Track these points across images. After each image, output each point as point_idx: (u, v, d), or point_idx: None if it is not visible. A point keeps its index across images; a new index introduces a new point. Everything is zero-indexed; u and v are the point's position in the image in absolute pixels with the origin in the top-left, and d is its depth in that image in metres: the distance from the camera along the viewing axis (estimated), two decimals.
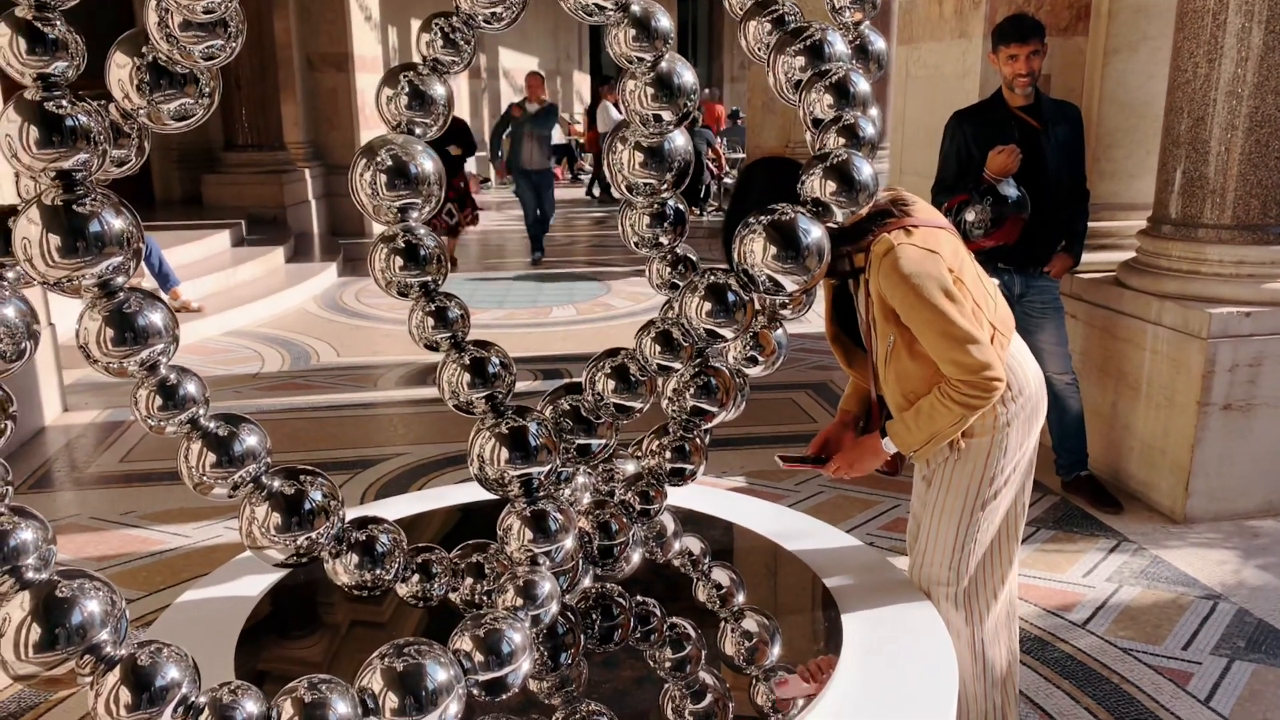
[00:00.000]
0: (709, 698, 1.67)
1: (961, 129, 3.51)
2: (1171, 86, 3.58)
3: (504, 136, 9.72)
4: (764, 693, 1.63)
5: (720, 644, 1.75)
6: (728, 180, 13.15)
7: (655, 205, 1.69)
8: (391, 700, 1.27)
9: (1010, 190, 3.23)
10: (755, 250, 1.48)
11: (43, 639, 1.17)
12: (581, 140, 17.45)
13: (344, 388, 5.38)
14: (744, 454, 4.15)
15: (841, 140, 1.60)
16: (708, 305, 1.51)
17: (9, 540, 1.23)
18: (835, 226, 1.56)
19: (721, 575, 1.99)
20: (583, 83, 23.90)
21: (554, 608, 1.49)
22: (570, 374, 5.06)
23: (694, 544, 2.06)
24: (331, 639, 1.84)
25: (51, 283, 1.23)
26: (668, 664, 1.72)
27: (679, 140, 1.58)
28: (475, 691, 1.37)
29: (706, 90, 15.64)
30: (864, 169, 1.54)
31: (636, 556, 1.92)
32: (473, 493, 2.33)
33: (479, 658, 1.36)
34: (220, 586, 1.87)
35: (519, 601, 1.46)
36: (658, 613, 1.85)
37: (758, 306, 1.56)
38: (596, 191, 15.48)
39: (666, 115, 1.51)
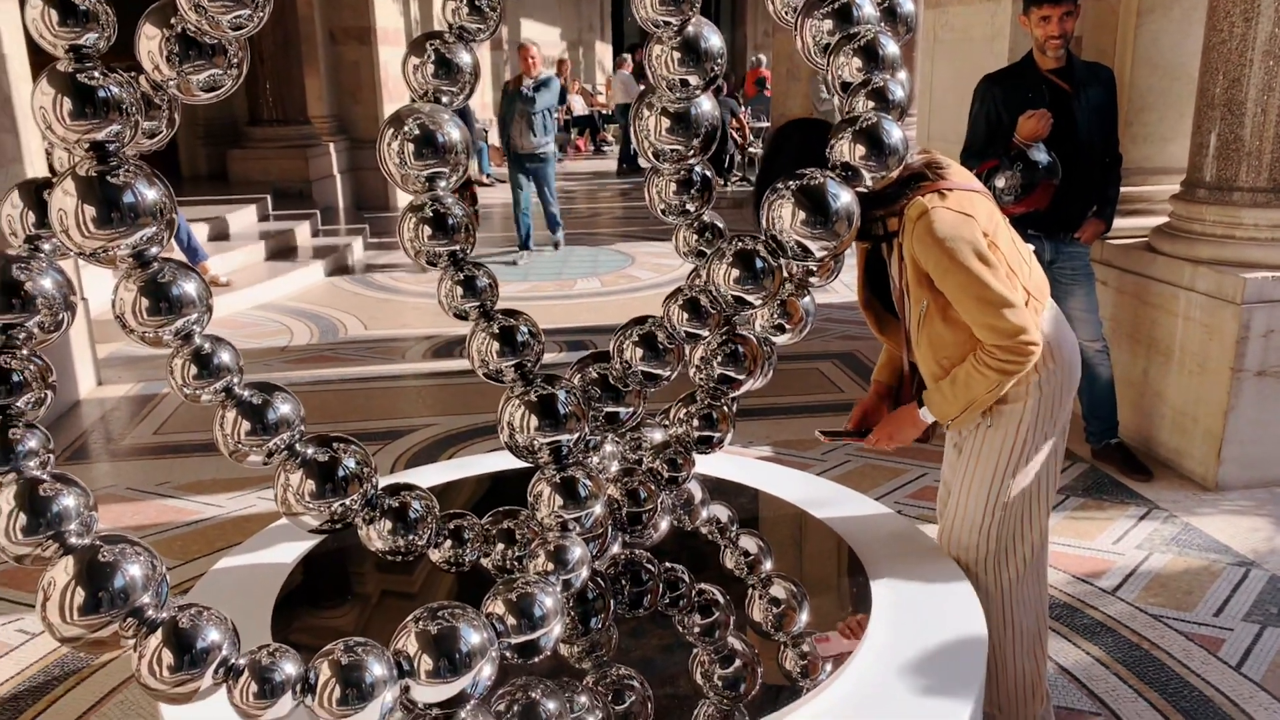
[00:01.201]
0: (737, 663, 1.68)
1: (991, 93, 3.45)
2: (1206, 47, 3.51)
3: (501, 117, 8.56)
4: (792, 658, 1.64)
5: (748, 610, 1.76)
6: (752, 150, 13.04)
7: (682, 172, 1.68)
8: (426, 662, 1.29)
9: (1041, 155, 3.18)
10: (784, 216, 1.48)
11: (86, 602, 1.20)
12: (607, 111, 17.36)
13: (372, 360, 5.42)
14: (770, 424, 4.15)
15: (870, 104, 1.58)
16: (736, 272, 1.51)
17: (52, 506, 1.25)
18: (865, 190, 1.55)
19: (749, 542, 2.00)
20: (605, 53, 23.73)
21: (584, 572, 1.51)
22: (595, 345, 5.00)
23: (721, 512, 2.07)
24: (365, 606, 1.87)
25: (87, 253, 1.24)
26: (696, 629, 1.73)
27: (706, 105, 1.57)
28: (508, 654, 1.39)
29: (758, 57, 15.43)
30: (894, 132, 1.53)
31: (664, 524, 1.93)
32: (502, 461, 2.35)
33: (511, 621, 1.37)
34: (255, 554, 1.90)
35: (550, 566, 1.47)
36: (686, 579, 1.87)
37: (786, 273, 1.55)
38: (629, 163, 15.39)
39: (693, 80, 1.50)
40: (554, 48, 21.75)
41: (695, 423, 1.82)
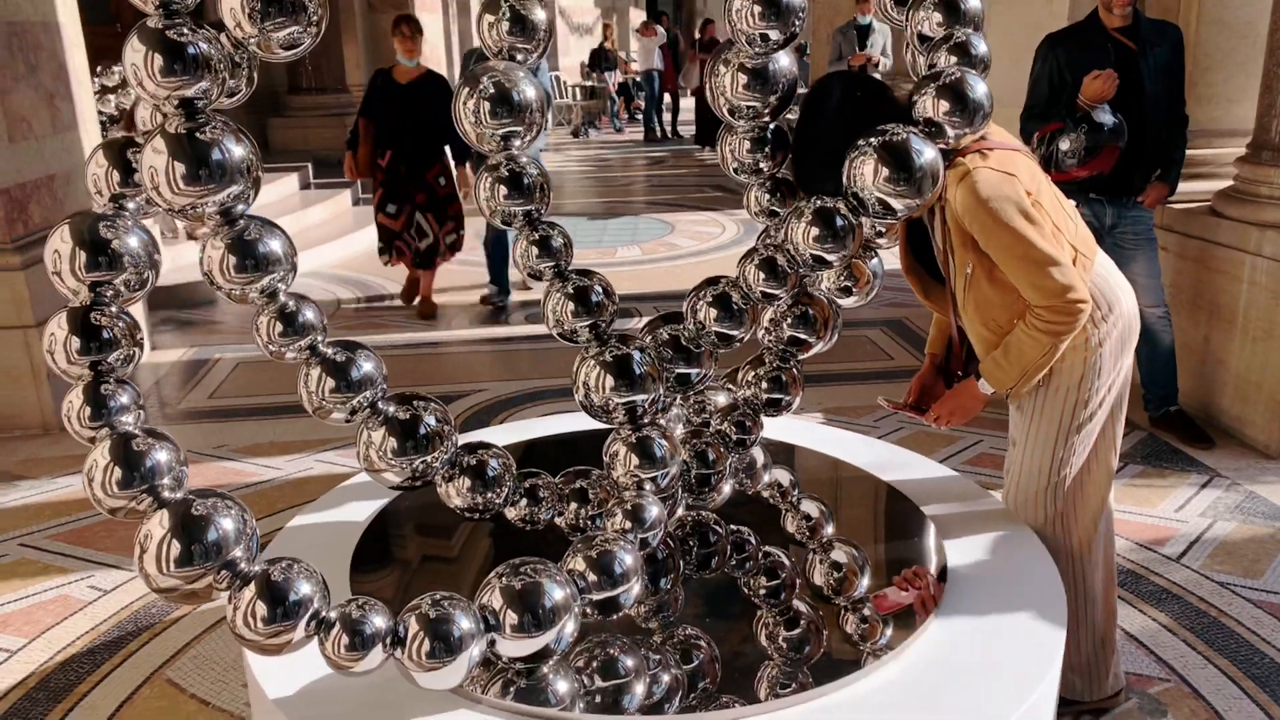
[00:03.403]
0: (802, 624, 1.68)
1: (1054, 53, 3.37)
2: (1276, 4, 3.40)
3: None
4: (853, 622, 1.63)
5: (809, 575, 1.76)
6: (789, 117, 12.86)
7: (756, 130, 1.66)
8: (511, 617, 1.31)
9: (1106, 117, 3.10)
10: (866, 173, 1.46)
11: (182, 554, 1.22)
12: (637, 79, 17.19)
13: (418, 326, 5.45)
14: (821, 391, 4.13)
15: (953, 58, 1.56)
16: (815, 230, 1.49)
17: (145, 461, 1.28)
18: (946, 147, 1.52)
19: (810, 507, 2.00)
20: (640, 20, 23.50)
21: (661, 531, 1.51)
22: (639, 313, 5.06)
23: (783, 476, 2.06)
24: (440, 561, 1.90)
25: (176, 210, 1.25)
26: (762, 591, 1.74)
27: (784, 61, 1.55)
28: (588, 611, 1.40)
29: None
30: (978, 87, 1.50)
31: (728, 488, 1.93)
32: (557, 425, 2.36)
33: (592, 577, 1.38)
34: (327, 512, 1.92)
35: (627, 525, 1.48)
36: (752, 541, 1.87)
37: (866, 231, 1.54)
38: (660, 130, 15.28)
39: (774, 35, 1.48)
40: (588, 14, 21.60)
41: (764, 385, 1.81)
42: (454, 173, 5.50)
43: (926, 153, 1.45)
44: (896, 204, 1.46)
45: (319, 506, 1.94)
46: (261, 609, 1.24)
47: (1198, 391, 3.75)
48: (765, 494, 2.04)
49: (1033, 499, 1.90)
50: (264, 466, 3.55)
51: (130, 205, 1.43)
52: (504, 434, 2.33)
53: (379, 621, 1.27)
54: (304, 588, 1.26)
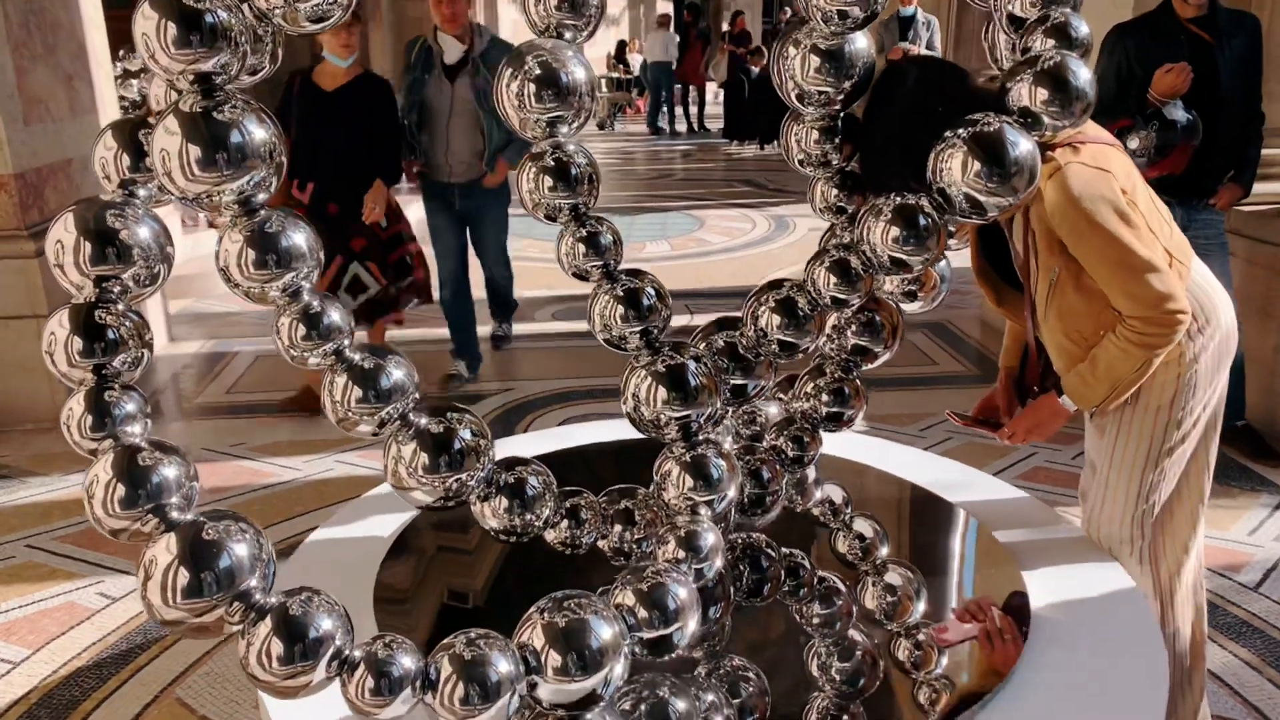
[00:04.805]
0: (857, 655, 1.56)
1: (1123, 44, 3.18)
2: None
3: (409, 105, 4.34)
4: (907, 649, 1.54)
5: (860, 598, 1.66)
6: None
7: (826, 118, 1.51)
8: (554, 659, 1.17)
9: (1179, 114, 2.92)
10: (954, 167, 1.31)
11: (191, 584, 1.09)
12: (635, 75, 17.00)
13: (439, 322, 5.31)
14: None
15: (1051, 41, 1.40)
16: (896, 230, 1.35)
17: (152, 477, 1.15)
18: (1041, 140, 1.37)
19: (864, 526, 1.87)
20: (666, 10, 23.32)
21: (718, 562, 1.37)
22: (689, 310, 4.89)
23: (836, 492, 1.93)
24: (474, 582, 1.76)
25: (190, 198, 1.12)
26: (815, 620, 1.62)
27: (861, 43, 1.40)
28: (638, 650, 1.26)
29: None
30: (1081, 73, 1.34)
31: (776, 506, 1.80)
32: (596, 432, 2.23)
33: (642, 613, 1.24)
34: (349, 526, 1.79)
35: (681, 554, 1.34)
36: (807, 565, 1.74)
37: (951, 230, 1.39)
38: (669, 126, 15.10)
39: (854, 11, 1.33)
40: (615, 4, 21.42)
41: (824, 398, 1.68)
42: (390, 197, 3.97)
43: (1023, 145, 1.30)
44: (987, 202, 1.31)
45: (339, 520, 1.81)
46: (278, 647, 1.10)
47: (1266, 405, 3.57)
48: (816, 512, 1.91)
49: (1117, 528, 1.74)
50: (282, 467, 3.44)
51: (141, 192, 1.30)
52: (539, 442, 2.19)
53: (408, 662, 1.14)
54: (325, 623, 1.13)
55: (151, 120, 1.24)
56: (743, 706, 1.40)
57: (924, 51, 7.79)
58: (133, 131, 1.29)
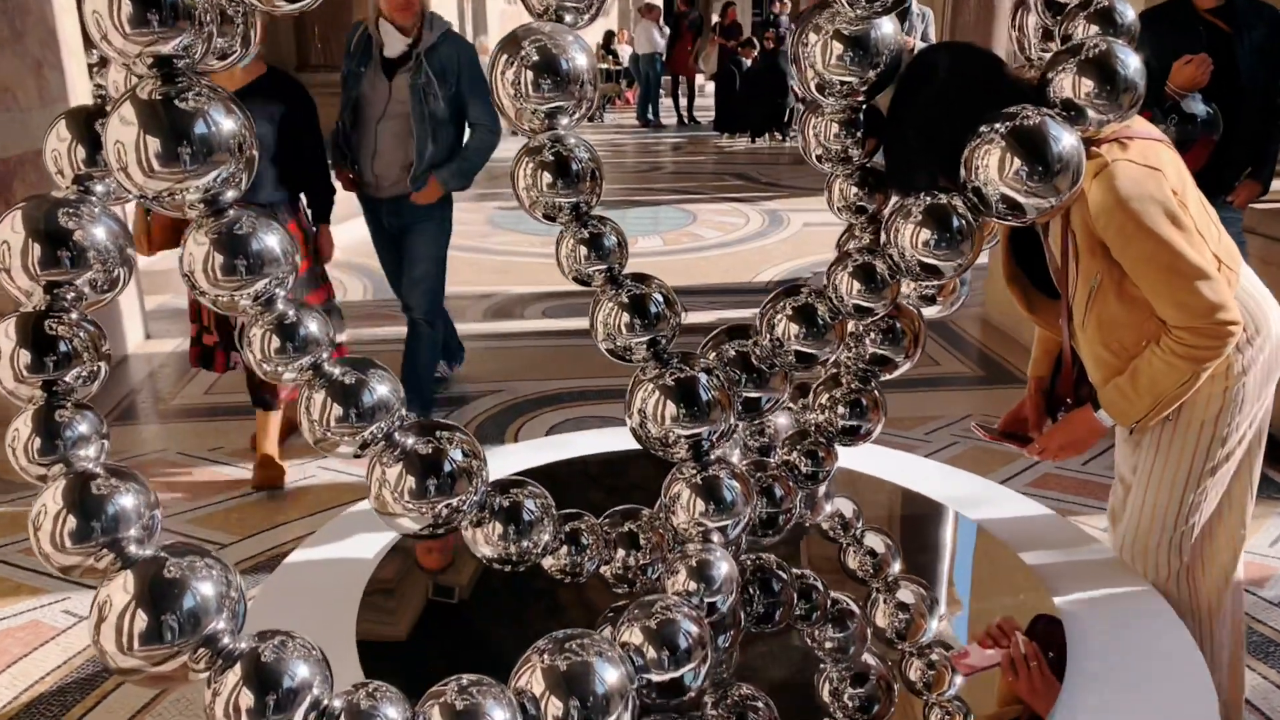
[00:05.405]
0: (871, 680, 1.48)
1: (1139, 36, 3.07)
2: None
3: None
4: (919, 669, 1.47)
5: (871, 616, 1.58)
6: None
7: (847, 110, 1.40)
8: (555, 706, 1.06)
9: (1198, 107, 2.82)
10: (991, 164, 1.20)
11: (150, 628, 0.98)
12: (624, 66, 16.84)
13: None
14: None
15: (1094, 28, 1.30)
16: (926, 233, 1.24)
17: (107, 507, 1.03)
18: (1085, 135, 1.26)
19: (875, 541, 1.78)
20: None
21: (732, 594, 1.26)
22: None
23: (846, 506, 1.83)
24: (464, 613, 1.64)
25: (150, 196, 1.00)
26: (828, 644, 1.54)
27: (888, 28, 1.29)
28: (646, 694, 1.15)
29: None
30: (1130, 62, 1.24)
31: (789, 526, 1.70)
32: (595, 442, 2.12)
33: (651, 654, 1.14)
34: (329, 546, 1.67)
35: (692, 585, 1.24)
36: (819, 587, 1.64)
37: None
38: (657, 118, 14.95)
39: None
40: None
41: (841, 410, 1.57)
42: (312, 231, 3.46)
43: (1066, 140, 1.19)
44: (1027, 204, 1.21)
45: (319, 540, 1.69)
46: (248, 698, 0.99)
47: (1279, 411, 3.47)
48: (825, 526, 1.81)
49: (1154, 550, 1.64)
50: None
51: (98, 189, 1.18)
52: (533, 453, 2.07)
53: (393, 714, 1.03)
54: (301, 670, 1.02)
55: (109, 109, 1.12)
56: None
57: (917, 43, 7.68)
58: (88, 121, 1.17)
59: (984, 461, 3.05)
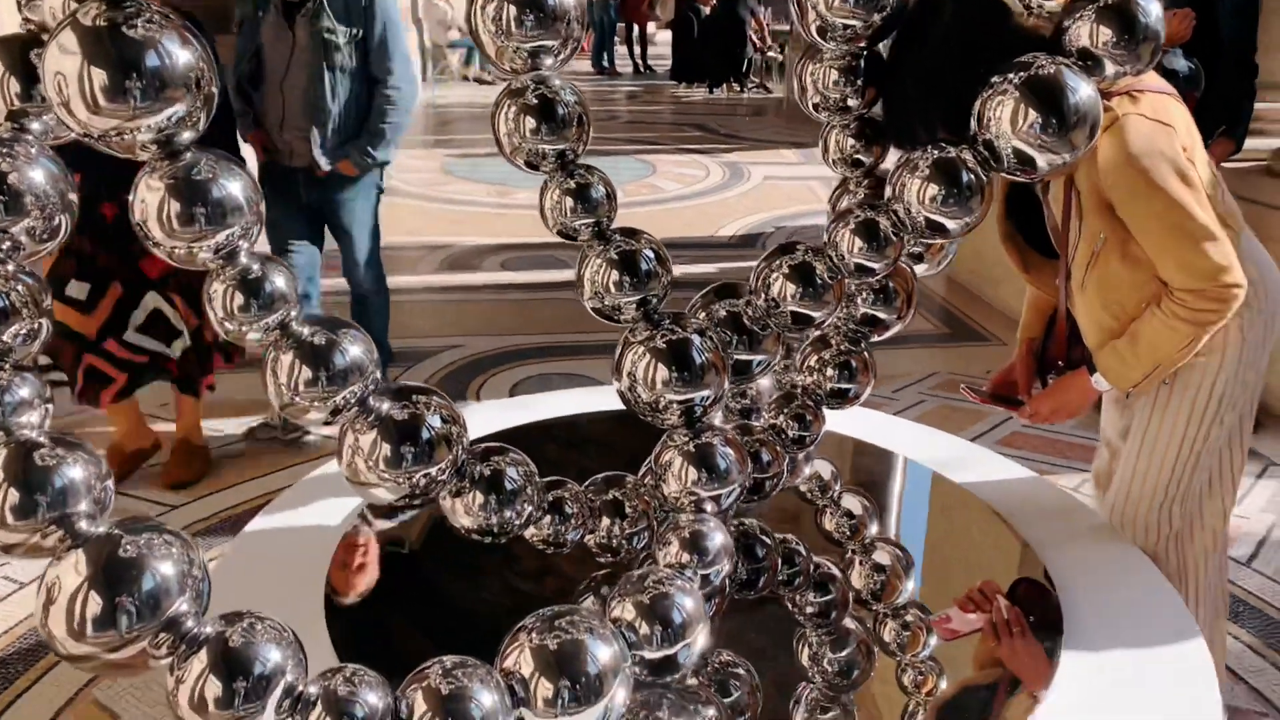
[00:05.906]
0: (851, 645, 1.47)
1: None
2: None
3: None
4: (894, 629, 1.48)
5: (847, 577, 1.58)
6: (772, 55, 12.45)
7: (848, 57, 1.32)
8: (545, 687, 1.00)
9: (1180, 63, 2.80)
10: (1004, 116, 1.14)
11: (104, 612, 0.89)
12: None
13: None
14: None
15: None
16: (934, 188, 1.17)
17: (54, 479, 0.93)
18: (1100, 87, 1.20)
19: (853, 503, 1.76)
20: None
21: (727, 565, 1.21)
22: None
23: (825, 468, 1.80)
24: (442, 583, 1.57)
25: (95, 136, 0.90)
26: (809, 609, 1.52)
27: None
28: (640, 671, 1.10)
29: None
30: (1151, 8, 1.17)
31: (775, 491, 1.66)
32: (568, 402, 2.05)
33: (644, 629, 1.08)
34: (293, 512, 1.59)
35: (685, 557, 1.18)
36: (802, 551, 1.61)
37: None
38: (611, 65, 14.67)
39: None
40: None
41: (829, 372, 1.52)
42: None
43: (1084, 91, 1.13)
44: (1040, 158, 1.15)
45: (281, 505, 1.61)
46: (215, 686, 0.91)
47: None
48: (803, 488, 1.79)
49: (1144, 515, 1.62)
50: (215, 431, 3.14)
51: (35, 126, 1.08)
52: (499, 412, 2.00)
53: (373, 699, 0.96)
54: (272, 655, 0.94)
55: (45, 37, 1.00)
56: (735, 706, 1.31)
57: None
58: (23, 51, 1.06)
59: (953, 420, 3.04)
